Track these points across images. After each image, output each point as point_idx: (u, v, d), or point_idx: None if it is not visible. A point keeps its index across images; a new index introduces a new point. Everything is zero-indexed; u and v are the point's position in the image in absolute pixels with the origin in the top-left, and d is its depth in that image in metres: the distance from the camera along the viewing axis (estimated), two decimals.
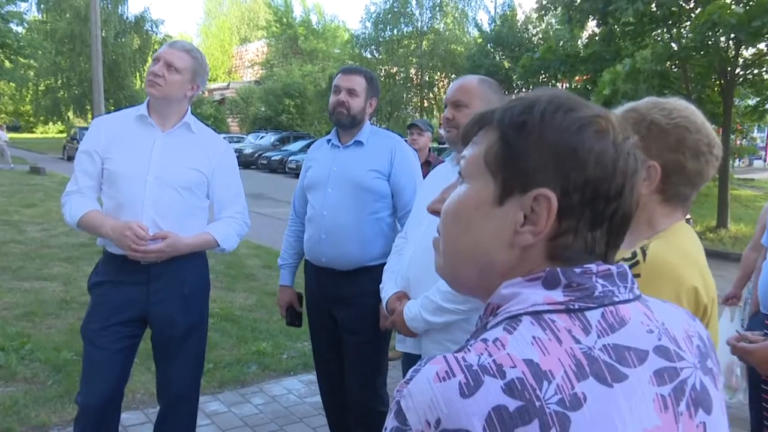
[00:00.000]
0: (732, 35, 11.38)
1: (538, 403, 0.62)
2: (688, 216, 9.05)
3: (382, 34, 30.18)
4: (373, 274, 2.71)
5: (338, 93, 2.75)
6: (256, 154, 25.91)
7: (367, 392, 2.83)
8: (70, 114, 38.22)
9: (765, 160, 27.31)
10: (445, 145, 20.96)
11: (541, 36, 24.42)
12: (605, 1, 12.69)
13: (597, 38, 13.97)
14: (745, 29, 10.75)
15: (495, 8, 28.79)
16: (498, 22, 25.81)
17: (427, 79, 30.46)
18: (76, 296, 5.92)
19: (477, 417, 0.61)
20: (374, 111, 2.91)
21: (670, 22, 13.15)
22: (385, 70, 30.74)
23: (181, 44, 2.56)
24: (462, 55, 28.63)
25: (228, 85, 43.04)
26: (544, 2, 14.25)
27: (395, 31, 30.16)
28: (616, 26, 13.23)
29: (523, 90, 24.54)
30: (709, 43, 11.78)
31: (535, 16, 22.59)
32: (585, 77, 14.79)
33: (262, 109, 35.77)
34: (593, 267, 0.72)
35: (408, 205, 2.73)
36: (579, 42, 17.34)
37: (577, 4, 13.33)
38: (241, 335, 5.12)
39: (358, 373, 2.82)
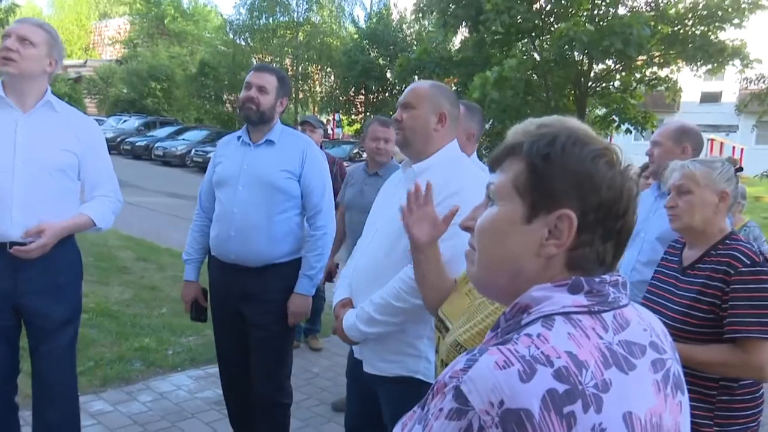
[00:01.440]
0: (585, 51, 12.55)
1: (580, 387, 0.76)
2: None
3: (257, 21, 29.49)
4: (280, 270, 2.79)
5: (249, 89, 2.77)
6: (119, 139, 24.28)
7: (272, 385, 2.90)
8: None
9: None
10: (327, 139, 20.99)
11: (414, 36, 25.16)
12: (477, 10, 13.46)
13: (469, 44, 14.75)
14: (597, 46, 11.93)
15: (371, 5, 29.19)
16: (374, 20, 26.24)
17: (301, 71, 30.21)
18: None
19: (535, 398, 0.73)
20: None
21: (533, 34, 14.21)
22: (258, 59, 30.08)
23: (31, 20, 2.46)
24: (338, 49, 28.73)
25: (85, 62, 39.82)
26: (422, 5, 14.79)
27: (270, 20, 29.60)
28: (486, 34, 14.06)
29: (397, 88, 25.20)
30: (567, 57, 12.91)
31: (411, 17, 23.23)
32: (455, 80, 15.56)
33: (124, 90, 33.60)
34: (607, 277, 0.87)
35: (317, 206, 2.81)
36: (450, 45, 18.18)
37: (451, 10, 13.99)
38: (120, 331, 4.91)
39: (264, 367, 2.88)
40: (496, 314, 1.46)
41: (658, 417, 0.83)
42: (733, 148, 25.01)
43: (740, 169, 2.17)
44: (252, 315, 2.83)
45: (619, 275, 0.90)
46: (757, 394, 1.97)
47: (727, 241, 1.98)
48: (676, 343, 1.92)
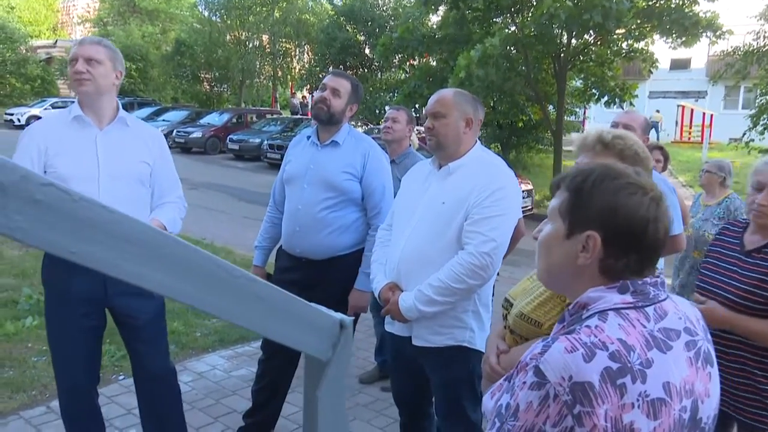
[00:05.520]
0: (565, 25, 12.81)
1: (629, 365, 1.00)
2: (530, 186, 10.20)
3: None
4: (342, 261, 3.00)
5: (323, 90, 2.96)
6: None
7: None
8: None
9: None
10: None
11: (391, 12, 25.11)
12: None
13: (450, 21, 14.88)
14: (577, 21, 12.20)
15: None
16: None
17: (279, 48, 29.96)
18: None
19: (595, 374, 0.98)
20: (353, 115, 3.10)
21: (514, 10, 14.40)
22: (234, 36, 29.77)
23: (90, 39, 2.58)
24: (315, 25, 28.55)
25: (55, 42, 38.85)
26: None
27: None
28: (466, 11, 14.22)
29: (376, 63, 25.25)
30: (546, 32, 13.14)
31: None
32: (439, 57, 15.77)
33: None
34: (648, 279, 1.12)
35: (377, 206, 3.00)
36: (427, 21, 18.29)
37: None
38: None
39: None
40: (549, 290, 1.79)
41: (691, 384, 1.08)
42: (703, 114, 25.66)
43: None
44: (312, 302, 3.07)
45: (657, 277, 1.14)
46: None
47: None
48: (739, 316, 2.17)
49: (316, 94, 3.02)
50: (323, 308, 0.71)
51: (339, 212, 2.99)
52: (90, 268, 2.00)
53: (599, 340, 1.02)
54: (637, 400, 1.00)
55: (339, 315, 0.72)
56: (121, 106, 2.66)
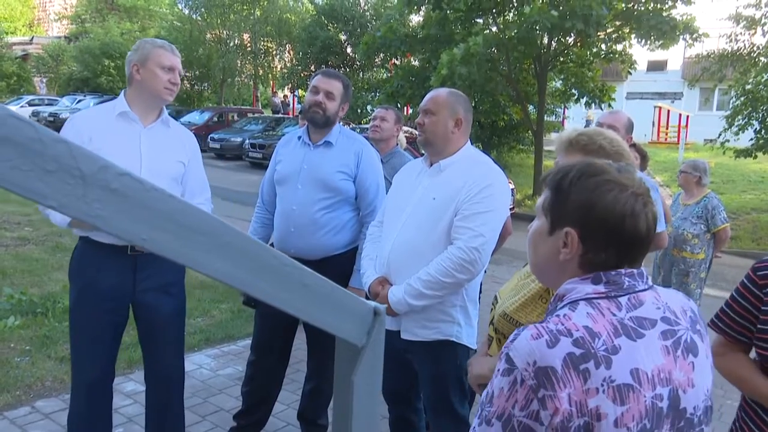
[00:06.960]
0: (548, 29, 12.91)
1: (593, 351, 1.03)
2: (512, 186, 10.30)
3: None
4: (337, 261, 3.02)
5: (316, 94, 2.93)
6: None
7: (324, 377, 3.17)
8: None
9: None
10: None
11: (372, 12, 25.11)
12: None
13: (432, 21, 14.94)
14: (559, 27, 12.34)
15: None
16: None
17: (260, 46, 29.80)
18: None
19: (558, 359, 1.02)
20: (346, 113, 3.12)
21: (495, 11, 14.51)
22: (215, 34, 29.57)
23: (176, 51, 2.66)
24: (296, 24, 28.44)
25: (31, 39, 38.27)
26: None
27: None
28: (449, 11, 14.28)
29: (358, 63, 25.25)
30: (529, 36, 13.24)
31: None
32: (421, 57, 15.83)
33: (74, 68, 32.60)
34: (623, 270, 1.14)
35: (371, 204, 3.02)
36: (408, 21, 18.35)
37: None
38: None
39: (317, 359, 3.18)
40: (533, 290, 1.82)
41: (667, 373, 1.09)
42: (679, 115, 26.06)
43: None
44: None
45: (634, 268, 1.16)
46: None
47: None
48: None
49: (308, 96, 3.01)
50: (358, 296, 0.74)
51: (334, 213, 3.00)
52: (120, 264, 2.26)
53: (565, 327, 1.07)
54: (602, 385, 1.02)
55: (372, 303, 0.76)
56: (165, 109, 2.72)
